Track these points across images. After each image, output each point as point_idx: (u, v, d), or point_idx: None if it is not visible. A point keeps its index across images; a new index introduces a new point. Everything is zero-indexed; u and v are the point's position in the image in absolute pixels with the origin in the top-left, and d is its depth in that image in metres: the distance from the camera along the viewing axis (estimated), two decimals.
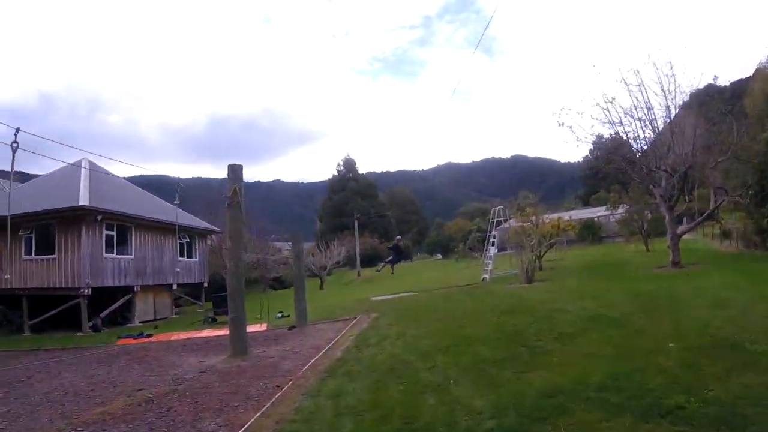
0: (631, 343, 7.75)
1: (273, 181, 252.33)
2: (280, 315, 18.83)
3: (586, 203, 62.76)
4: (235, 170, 11.87)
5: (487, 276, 22.30)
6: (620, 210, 32.96)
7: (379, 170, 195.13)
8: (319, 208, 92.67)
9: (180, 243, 27.37)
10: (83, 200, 21.25)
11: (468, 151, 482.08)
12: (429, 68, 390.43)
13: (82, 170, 24.12)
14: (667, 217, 19.42)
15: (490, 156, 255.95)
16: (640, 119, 19.10)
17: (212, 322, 19.77)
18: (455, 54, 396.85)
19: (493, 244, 23.52)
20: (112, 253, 22.87)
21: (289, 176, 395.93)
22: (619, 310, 10.65)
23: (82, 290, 21.02)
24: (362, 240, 58.73)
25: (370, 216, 77.69)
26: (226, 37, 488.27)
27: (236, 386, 8.30)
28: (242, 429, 6.03)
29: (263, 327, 16.48)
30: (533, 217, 22.18)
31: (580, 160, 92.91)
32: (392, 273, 36.59)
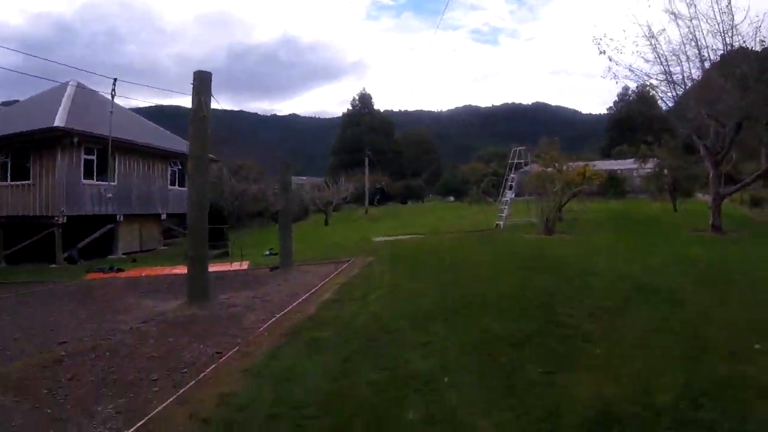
0: (700, 332, 5.61)
1: (289, 115, 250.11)
2: (268, 252, 16.96)
3: (607, 156, 59.98)
4: (202, 78, 9.63)
5: (501, 222, 20.22)
6: (649, 164, 30.40)
7: (396, 109, 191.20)
8: (332, 143, 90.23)
9: (171, 170, 25.33)
10: (59, 121, 19.08)
11: (488, 95, 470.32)
12: (454, 6, 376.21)
13: (67, 90, 22.05)
14: (711, 174, 17.16)
15: (510, 101, 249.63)
16: (689, 58, 16.56)
17: None
18: None
19: (510, 188, 21.29)
20: (92, 179, 20.80)
21: (307, 111, 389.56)
22: (667, 279, 8.58)
23: (56, 218, 19.18)
24: (374, 177, 56.66)
25: (385, 152, 75.39)
26: None
27: (171, 347, 6.43)
28: (137, 425, 4.13)
29: (243, 266, 14.60)
30: (557, 162, 19.79)
31: (605, 111, 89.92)
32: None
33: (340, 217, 44.13)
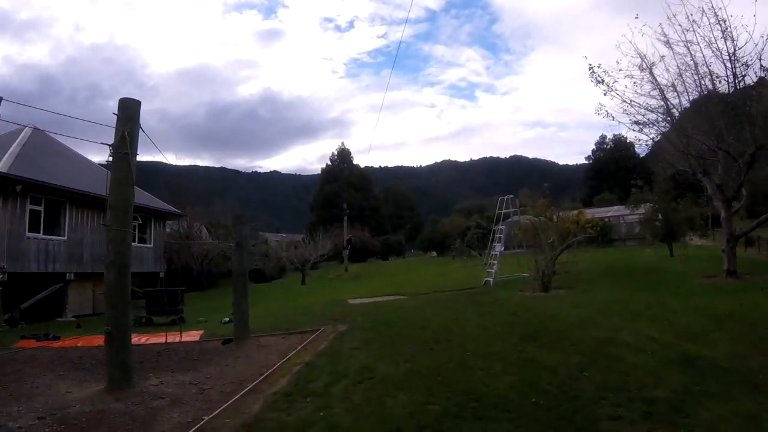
0: None
1: (271, 172, 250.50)
2: (228, 319, 14.78)
3: (589, 204, 59.09)
4: (127, 107, 7.77)
5: (490, 279, 18.26)
6: (640, 209, 28.94)
7: (376, 165, 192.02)
8: (311, 199, 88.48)
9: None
10: (2, 166, 17.22)
11: (466, 150, 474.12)
12: (432, 63, 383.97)
13: (20, 135, 20.43)
14: (722, 213, 15.55)
15: (488, 155, 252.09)
16: (687, 89, 15.20)
17: (145, 324, 15.64)
18: (459, 51, 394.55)
19: (499, 240, 19.39)
20: (38, 232, 18.75)
21: (288, 167, 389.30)
22: (715, 347, 6.69)
23: None
24: (352, 233, 54.75)
25: (363, 208, 73.90)
26: (229, 26, 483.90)
27: None
28: None
29: (195, 336, 12.47)
30: (547, 211, 17.98)
31: (583, 161, 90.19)
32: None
33: (318, 276, 42.18)
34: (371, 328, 10.64)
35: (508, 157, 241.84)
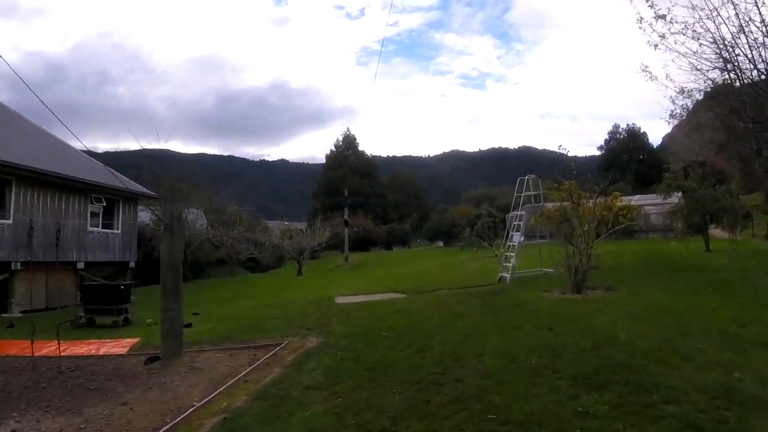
0: None
1: (279, 160, 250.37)
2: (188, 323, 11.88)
3: (605, 194, 56.12)
4: None
5: (507, 275, 15.16)
6: (673, 198, 25.92)
7: (384, 154, 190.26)
8: (315, 186, 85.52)
9: (92, 208, 20.32)
10: None
11: (475, 140, 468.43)
12: (443, 52, 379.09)
13: None
14: None
15: (497, 146, 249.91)
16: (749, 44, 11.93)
17: (85, 326, 12.71)
18: (471, 39, 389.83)
19: (517, 229, 16.22)
20: None
21: (296, 156, 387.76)
22: None
23: None
24: (355, 221, 51.86)
25: (368, 196, 71.11)
26: (239, 13, 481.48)
27: None
28: None
29: (124, 346, 9.56)
30: (575, 195, 14.76)
31: (597, 153, 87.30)
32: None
33: (317, 265, 39.52)
34: (348, 347, 7.67)
35: (517, 147, 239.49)
